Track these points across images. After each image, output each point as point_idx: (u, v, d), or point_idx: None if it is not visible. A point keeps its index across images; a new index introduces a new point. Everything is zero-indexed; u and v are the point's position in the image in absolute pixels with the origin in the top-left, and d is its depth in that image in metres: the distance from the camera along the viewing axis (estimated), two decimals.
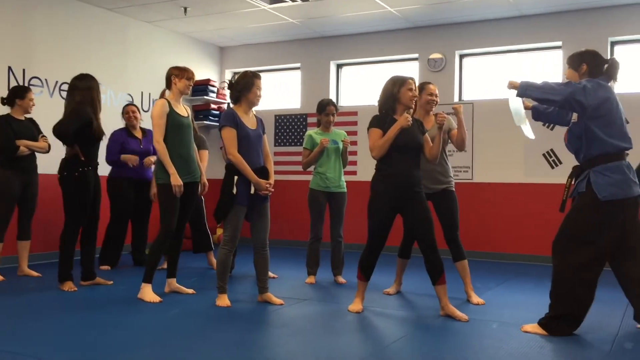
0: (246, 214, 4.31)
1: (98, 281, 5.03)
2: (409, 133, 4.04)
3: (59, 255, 4.82)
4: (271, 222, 4.53)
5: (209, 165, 5.96)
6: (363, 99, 8.16)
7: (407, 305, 4.60)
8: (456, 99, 7.58)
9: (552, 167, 6.99)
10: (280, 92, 8.87)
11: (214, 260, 6.05)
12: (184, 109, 4.65)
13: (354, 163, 7.75)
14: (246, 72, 4.34)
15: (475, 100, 7.44)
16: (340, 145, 5.42)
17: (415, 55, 7.84)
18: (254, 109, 4.44)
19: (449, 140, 4.69)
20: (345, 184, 5.49)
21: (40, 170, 5.64)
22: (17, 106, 5.41)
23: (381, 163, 4.11)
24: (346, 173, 5.66)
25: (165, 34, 8.04)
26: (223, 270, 4.32)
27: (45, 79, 6.55)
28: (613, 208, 3.52)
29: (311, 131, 5.51)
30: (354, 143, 7.51)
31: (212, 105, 8.48)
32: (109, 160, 6.01)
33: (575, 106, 3.53)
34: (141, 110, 6.51)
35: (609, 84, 3.68)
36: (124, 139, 6.03)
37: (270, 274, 5.16)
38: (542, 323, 3.66)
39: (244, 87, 4.28)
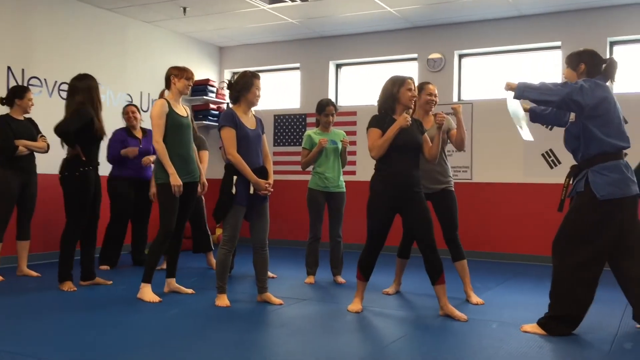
0: (245, 214, 4.31)
1: (97, 281, 5.03)
2: (408, 133, 4.04)
3: (59, 255, 4.82)
4: (270, 222, 4.53)
5: (208, 165, 5.96)
6: (362, 99, 8.16)
7: (406, 305, 4.60)
8: (455, 99, 7.58)
9: (551, 167, 7.00)
10: (280, 92, 8.87)
11: (213, 261, 6.05)
12: (183, 109, 4.65)
13: (353, 163, 7.75)
14: (245, 72, 4.35)
15: (475, 100, 7.44)
16: (339, 146, 5.42)
17: (415, 55, 7.85)
18: (253, 109, 4.44)
19: (448, 140, 4.70)
20: (344, 183, 5.49)
21: (40, 170, 5.64)
22: (16, 106, 5.41)
23: (380, 163, 4.12)
24: (345, 173, 5.66)
25: (164, 34, 8.04)
26: (222, 270, 4.32)
27: (45, 79, 6.54)
28: (611, 207, 3.52)
29: (310, 131, 5.51)
30: (353, 143, 7.51)
31: (212, 105, 8.48)
32: (110, 158, 6.02)
33: (573, 106, 3.53)
34: (141, 111, 6.51)
35: (607, 83, 3.68)
36: (124, 138, 6.05)
37: (270, 274, 5.16)
38: (541, 323, 3.66)
39: (243, 87, 4.28)
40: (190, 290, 4.76)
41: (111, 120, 6.20)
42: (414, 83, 4.15)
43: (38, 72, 6.47)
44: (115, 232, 6.06)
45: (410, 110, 4.21)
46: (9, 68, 6.19)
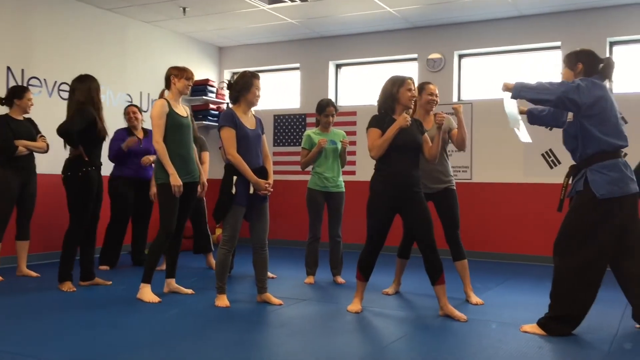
0: (245, 214, 4.31)
1: (97, 281, 5.03)
2: (408, 133, 4.04)
3: (60, 255, 4.82)
4: (270, 222, 4.53)
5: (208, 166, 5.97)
6: (362, 99, 8.16)
7: (406, 305, 4.60)
8: (455, 99, 7.58)
9: (551, 167, 7.00)
10: (279, 92, 8.87)
11: (213, 261, 6.05)
12: (183, 109, 4.65)
13: (353, 163, 7.75)
14: (245, 72, 4.35)
15: (474, 100, 7.44)
16: (339, 146, 5.41)
17: (414, 56, 7.85)
18: (253, 109, 4.44)
19: (449, 140, 4.70)
20: (343, 183, 5.49)
21: (39, 170, 5.64)
22: (15, 106, 5.41)
23: (380, 163, 4.11)
24: (345, 173, 5.66)
25: (164, 34, 8.04)
26: (222, 270, 4.32)
27: (44, 79, 6.54)
28: (611, 206, 3.52)
29: (310, 131, 5.51)
30: (353, 143, 7.52)
31: (211, 106, 8.47)
32: (111, 157, 6.02)
33: (569, 105, 3.53)
34: (141, 111, 6.50)
35: (604, 83, 3.68)
36: (125, 137, 6.04)
37: (269, 274, 5.16)
38: (541, 323, 3.66)
39: (243, 87, 4.28)
40: (189, 291, 4.76)
41: (111, 121, 6.16)
42: (413, 83, 4.15)
43: (38, 72, 6.47)
44: (115, 232, 6.06)
45: (410, 110, 4.21)
46: (8, 68, 6.19)
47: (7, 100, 5.42)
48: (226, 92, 7.33)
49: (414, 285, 5.14)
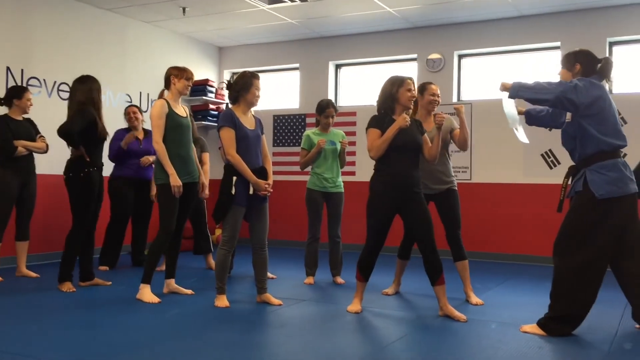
0: (245, 215, 4.30)
1: (97, 282, 5.03)
2: (408, 133, 4.04)
3: (62, 255, 4.81)
4: (270, 223, 4.53)
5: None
6: (362, 99, 8.16)
7: (405, 305, 4.60)
8: (455, 100, 7.58)
9: (551, 168, 7.00)
10: (279, 92, 8.87)
11: (212, 262, 6.05)
12: (182, 110, 4.65)
13: (353, 163, 7.75)
14: (245, 72, 4.34)
15: (474, 100, 7.44)
16: (338, 146, 5.41)
17: (414, 56, 7.85)
18: (253, 109, 4.44)
19: (451, 141, 4.69)
20: (342, 184, 5.49)
21: (39, 170, 5.64)
22: (14, 106, 5.40)
23: (380, 163, 4.11)
24: (345, 173, 5.66)
25: (164, 34, 8.04)
26: (222, 270, 4.31)
27: (44, 79, 6.54)
28: (610, 206, 3.52)
29: (309, 131, 5.51)
30: (353, 143, 7.52)
31: (211, 106, 8.47)
32: (111, 156, 6.02)
33: (567, 105, 3.53)
34: (141, 111, 6.50)
35: (602, 83, 3.68)
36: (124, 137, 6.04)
37: (269, 274, 5.16)
38: (541, 323, 3.66)
39: (243, 87, 4.28)
40: (189, 291, 4.76)
41: (111, 121, 6.18)
42: (413, 83, 4.14)
43: (37, 72, 6.47)
44: (115, 232, 6.06)
45: (410, 111, 4.21)
46: (8, 68, 6.18)
47: (6, 101, 5.42)
48: (226, 92, 7.34)
49: (414, 286, 5.14)
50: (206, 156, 5.90)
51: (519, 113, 3.93)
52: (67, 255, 4.79)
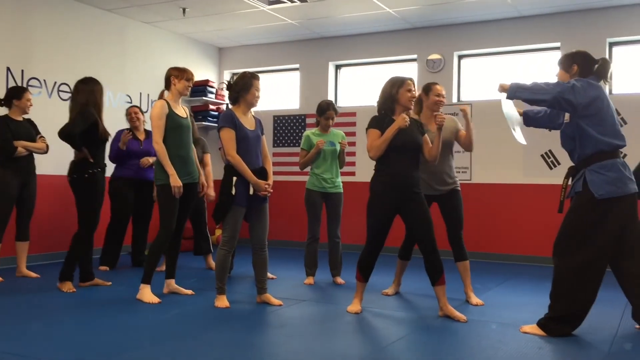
0: (245, 215, 4.31)
1: (97, 282, 5.03)
2: (407, 133, 4.04)
3: (66, 255, 4.82)
4: (270, 223, 4.53)
5: None
6: (362, 100, 8.17)
7: (405, 306, 4.60)
8: (455, 100, 7.59)
9: (551, 168, 7.00)
10: (279, 92, 8.87)
11: (212, 263, 6.06)
12: (183, 110, 4.65)
13: (352, 164, 7.75)
14: (245, 73, 4.35)
15: (474, 101, 7.44)
16: (338, 147, 5.41)
17: (414, 56, 7.85)
18: (253, 109, 4.44)
19: (456, 141, 4.69)
20: (341, 184, 5.49)
21: (39, 171, 5.63)
22: (14, 107, 5.40)
23: (379, 164, 4.11)
24: (345, 174, 5.66)
25: (164, 34, 8.04)
26: (222, 271, 4.32)
27: (44, 80, 6.54)
28: (610, 206, 3.52)
29: (309, 132, 5.51)
30: (352, 144, 7.52)
31: (211, 106, 8.48)
32: (111, 157, 6.03)
33: (565, 105, 3.54)
34: (143, 112, 6.50)
35: (600, 83, 3.69)
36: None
37: (269, 274, 5.16)
38: (541, 324, 3.66)
39: (243, 88, 4.28)
40: (189, 291, 4.76)
41: (110, 121, 6.18)
42: (413, 84, 4.14)
43: (37, 72, 6.47)
44: (115, 232, 6.06)
45: (411, 111, 4.20)
46: (8, 69, 6.19)
47: (6, 101, 5.42)
48: (226, 93, 7.34)
49: (414, 286, 5.14)
50: (208, 157, 5.90)
51: (518, 114, 3.94)
52: (71, 255, 4.79)
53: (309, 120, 8.26)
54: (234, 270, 5.71)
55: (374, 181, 4.13)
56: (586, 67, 3.69)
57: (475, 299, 4.56)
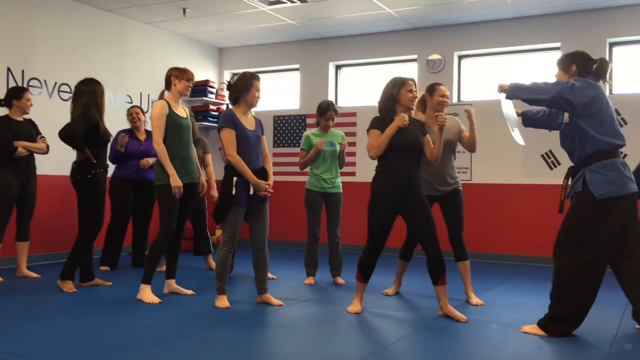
0: (245, 215, 4.31)
1: (97, 282, 5.03)
2: (408, 134, 4.03)
3: (69, 254, 4.82)
4: (270, 223, 4.54)
5: None
6: (362, 100, 8.17)
7: (406, 306, 4.60)
8: (455, 100, 7.59)
9: (551, 168, 7.00)
10: (279, 93, 8.88)
11: (212, 263, 6.06)
12: (183, 110, 4.65)
13: (353, 164, 7.75)
14: (245, 73, 4.35)
15: (474, 101, 7.44)
16: (337, 148, 5.41)
17: (414, 57, 7.85)
18: (253, 110, 4.44)
19: (459, 142, 4.68)
20: (341, 184, 5.49)
21: (39, 171, 5.64)
22: (14, 107, 5.41)
23: (380, 164, 4.11)
24: (345, 174, 5.66)
25: (164, 35, 8.04)
26: (222, 271, 4.32)
27: (45, 80, 6.54)
28: (610, 206, 3.52)
29: (309, 132, 5.51)
30: (353, 144, 7.52)
31: (211, 107, 8.48)
32: (111, 158, 6.03)
33: (564, 105, 3.53)
34: (144, 112, 6.50)
35: (599, 83, 3.69)
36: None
37: (270, 274, 5.16)
38: (541, 324, 3.66)
39: (243, 88, 4.28)
40: (189, 292, 4.76)
41: (111, 121, 6.18)
42: (414, 84, 4.14)
43: (38, 73, 6.47)
44: (115, 233, 6.06)
45: (411, 112, 4.20)
46: (8, 69, 6.19)
47: (6, 101, 5.42)
48: (226, 93, 7.34)
49: (414, 286, 5.14)
50: (209, 157, 5.91)
51: (516, 114, 3.94)
52: (74, 254, 4.80)
53: (309, 121, 8.26)
54: (234, 270, 5.72)
55: (375, 181, 4.13)
56: (585, 67, 3.70)
57: (475, 299, 4.56)
